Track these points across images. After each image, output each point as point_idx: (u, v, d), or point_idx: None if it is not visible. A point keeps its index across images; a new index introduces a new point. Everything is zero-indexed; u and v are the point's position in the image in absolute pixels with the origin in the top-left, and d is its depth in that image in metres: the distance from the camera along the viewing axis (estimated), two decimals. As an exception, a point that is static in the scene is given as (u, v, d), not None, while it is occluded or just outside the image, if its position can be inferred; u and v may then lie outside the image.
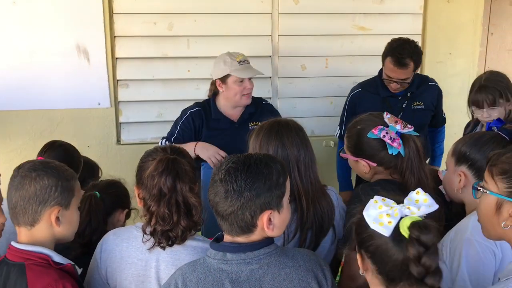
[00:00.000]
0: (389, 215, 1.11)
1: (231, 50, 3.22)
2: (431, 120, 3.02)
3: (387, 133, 1.73)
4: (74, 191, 1.46)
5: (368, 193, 1.66)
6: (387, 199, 1.16)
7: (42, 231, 1.43)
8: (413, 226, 1.07)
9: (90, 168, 2.45)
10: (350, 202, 1.76)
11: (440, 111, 3.06)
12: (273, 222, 1.30)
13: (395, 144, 1.71)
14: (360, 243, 1.19)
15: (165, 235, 1.47)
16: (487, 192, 1.24)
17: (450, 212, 1.74)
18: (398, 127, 1.74)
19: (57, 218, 1.42)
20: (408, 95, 2.84)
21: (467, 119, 3.67)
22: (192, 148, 2.46)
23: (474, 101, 2.49)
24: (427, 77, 2.99)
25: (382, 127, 1.74)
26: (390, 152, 1.72)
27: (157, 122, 3.29)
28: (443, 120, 3.14)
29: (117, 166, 3.25)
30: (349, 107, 2.96)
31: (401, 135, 1.74)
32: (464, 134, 2.77)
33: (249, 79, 2.52)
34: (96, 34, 3.08)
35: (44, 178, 1.39)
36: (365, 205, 1.17)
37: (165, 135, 3.25)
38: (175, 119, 3.24)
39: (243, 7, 3.23)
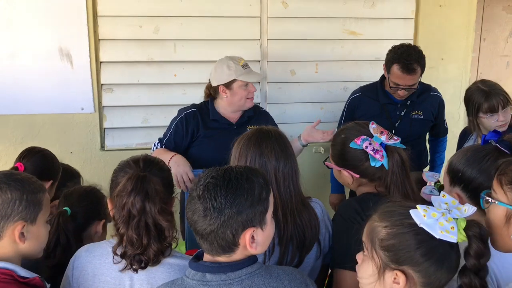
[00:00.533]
0: (448, 221, 1.11)
1: (219, 55, 3.14)
2: (432, 130, 2.97)
3: (370, 144, 1.67)
4: (42, 204, 1.37)
5: (358, 209, 1.61)
6: (430, 207, 1.13)
7: (6, 248, 1.33)
8: (469, 226, 1.10)
9: (70, 176, 2.36)
10: (341, 217, 1.68)
11: (442, 121, 3.00)
12: (256, 240, 1.21)
13: (377, 156, 1.65)
14: (401, 260, 1.13)
15: (136, 259, 1.38)
16: (496, 202, 1.17)
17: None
18: (383, 138, 1.67)
19: (22, 234, 1.33)
20: (408, 103, 2.78)
21: (459, 125, 3.65)
22: (167, 159, 2.39)
23: (489, 107, 2.41)
24: (429, 86, 2.92)
25: (365, 137, 1.68)
26: (372, 164, 1.65)
27: (143, 127, 3.21)
28: (444, 130, 3.08)
29: (100, 172, 3.17)
30: (347, 110, 2.92)
31: (386, 147, 1.67)
32: (458, 144, 2.69)
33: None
34: (80, 37, 2.99)
35: (7, 191, 1.30)
36: (391, 220, 1.16)
37: (153, 140, 3.22)
38: (160, 124, 3.19)
39: (231, 11, 3.15)
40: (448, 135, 3.61)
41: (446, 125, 3.07)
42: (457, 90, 3.58)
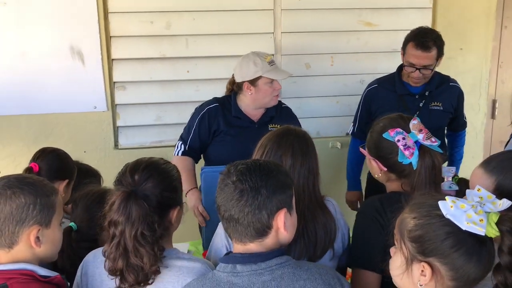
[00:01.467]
0: (477, 214, 1.07)
1: (232, 49, 3.11)
2: (450, 124, 2.87)
3: (403, 138, 1.58)
4: (55, 207, 1.33)
5: (380, 208, 1.54)
6: (459, 199, 1.10)
7: (22, 252, 1.30)
8: (502, 220, 1.06)
9: (91, 177, 2.30)
10: (362, 215, 1.62)
11: (461, 114, 2.90)
12: (286, 223, 1.26)
13: (406, 153, 1.56)
14: (427, 251, 1.10)
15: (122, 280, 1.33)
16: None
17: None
18: (420, 136, 1.58)
19: (37, 238, 1.29)
20: (426, 94, 2.69)
21: (479, 117, 3.55)
22: (186, 189, 2.37)
23: None
24: (448, 77, 2.82)
25: (401, 130, 1.59)
26: (400, 160, 1.57)
27: (156, 125, 3.16)
28: (463, 124, 2.97)
29: (115, 171, 3.03)
30: (363, 103, 2.84)
31: (420, 146, 1.58)
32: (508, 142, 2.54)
33: None
34: (91, 35, 2.95)
35: (21, 195, 1.25)
36: (415, 212, 1.14)
37: (167, 137, 3.17)
38: (174, 122, 3.15)
39: (244, 4, 3.08)
40: (468, 127, 3.52)
41: (465, 118, 2.97)
42: (476, 80, 3.48)
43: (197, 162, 2.57)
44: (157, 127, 3.16)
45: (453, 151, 3.03)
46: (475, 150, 3.54)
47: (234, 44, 3.11)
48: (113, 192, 1.36)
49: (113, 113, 3.10)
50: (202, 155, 2.58)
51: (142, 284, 1.32)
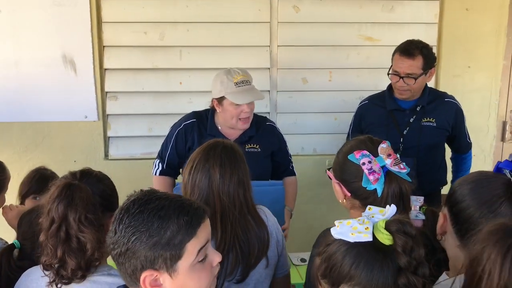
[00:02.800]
0: (362, 224, 1.08)
1: (226, 62, 3.03)
2: (451, 144, 2.73)
3: (369, 162, 1.45)
4: None
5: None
6: (347, 219, 1.11)
7: None
8: (390, 223, 1.06)
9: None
10: (313, 246, 1.51)
11: (463, 133, 2.72)
12: (163, 286, 1.05)
13: (371, 178, 1.42)
14: (336, 281, 1.08)
15: (59, 273, 1.30)
16: None
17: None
18: (388, 161, 1.43)
19: None
20: (418, 109, 2.56)
21: (488, 139, 3.36)
22: None
23: None
24: (444, 93, 2.69)
25: (367, 153, 1.46)
26: (364, 185, 1.43)
27: (147, 136, 3.12)
28: (467, 145, 2.80)
29: None
30: (355, 119, 2.77)
31: (387, 172, 1.44)
32: None
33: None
34: (84, 44, 2.93)
35: None
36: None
37: (157, 149, 3.10)
38: (165, 134, 3.07)
39: (240, 16, 3.01)
40: (476, 150, 3.35)
41: (469, 139, 2.80)
42: (485, 101, 3.30)
43: (176, 178, 2.51)
44: (148, 139, 3.11)
45: (457, 175, 2.85)
46: (482, 173, 3.35)
47: (229, 56, 3.04)
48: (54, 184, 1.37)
49: (104, 123, 3.07)
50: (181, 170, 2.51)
51: (80, 274, 1.29)
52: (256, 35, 3.06)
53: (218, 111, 2.37)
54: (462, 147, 2.79)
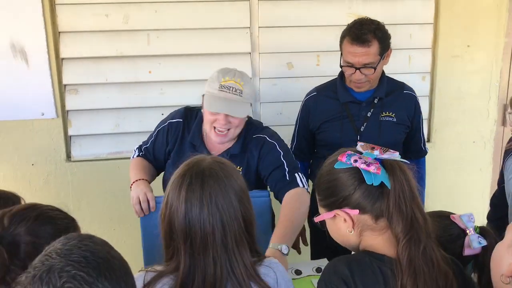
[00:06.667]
0: None
1: (200, 47, 2.72)
2: (404, 145, 2.32)
3: (360, 158, 1.21)
4: None
5: (346, 275, 1.16)
6: None
7: None
8: None
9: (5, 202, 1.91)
10: (324, 285, 1.20)
11: (418, 132, 2.35)
12: None
13: (372, 168, 1.18)
14: None
15: None
16: None
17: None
18: (376, 152, 1.23)
19: None
20: (375, 101, 2.22)
21: (488, 124, 3.11)
22: (131, 181, 1.96)
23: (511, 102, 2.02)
24: (403, 84, 2.34)
25: (352, 152, 1.24)
26: (368, 182, 1.18)
27: (114, 134, 2.76)
28: (420, 150, 2.39)
29: (67, 187, 2.75)
30: (302, 114, 2.36)
31: (383, 162, 1.21)
32: (506, 148, 2.13)
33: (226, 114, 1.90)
34: (35, 30, 2.54)
35: None
36: None
37: (126, 148, 2.78)
38: (134, 130, 2.77)
39: (215, -6, 2.66)
40: (476, 136, 3.10)
41: (424, 144, 2.40)
42: (486, 82, 3.04)
43: (157, 172, 2.17)
44: (115, 136, 2.76)
45: None
46: (483, 161, 3.11)
47: (203, 40, 2.69)
48: None
49: (64, 120, 2.70)
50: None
51: None
52: (233, 16, 2.71)
53: (202, 110, 2.00)
54: (416, 151, 2.38)
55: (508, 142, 2.11)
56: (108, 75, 2.68)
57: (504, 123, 3.13)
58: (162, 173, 2.17)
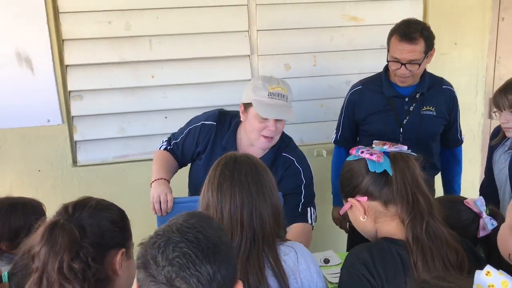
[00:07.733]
0: None
1: (201, 51, 2.78)
2: (442, 137, 2.51)
3: (367, 150, 1.39)
4: None
5: (368, 261, 1.26)
6: None
7: None
8: None
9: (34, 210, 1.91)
10: (346, 270, 1.31)
11: (455, 123, 2.53)
12: None
13: (374, 157, 1.34)
14: None
15: None
16: None
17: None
18: (386, 147, 1.40)
19: None
20: (417, 96, 2.38)
21: (476, 118, 3.26)
22: (153, 179, 2.01)
23: (494, 102, 2.12)
24: (442, 79, 2.50)
25: (362, 146, 1.42)
26: (371, 169, 1.33)
27: (119, 138, 2.82)
28: (456, 140, 2.58)
29: (74, 191, 2.78)
30: (346, 107, 2.52)
31: (390, 153, 1.37)
32: (490, 143, 2.29)
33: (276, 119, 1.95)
34: (40, 38, 2.59)
35: None
36: None
37: (132, 151, 2.84)
38: (139, 134, 2.84)
39: (214, -1, 2.75)
40: (465, 129, 3.23)
41: (460, 134, 2.58)
42: (473, 78, 3.19)
43: (179, 167, 2.22)
44: (120, 140, 2.82)
45: (448, 178, 2.67)
46: (472, 154, 3.25)
47: (204, 44, 2.77)
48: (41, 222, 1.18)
49: (69, 126, 2.75)
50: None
51: None
52: (232, 20, 2.80)
53: (242, 119, 2.04)
54: (453, 141, 2.57)
55: (491, 139, 2.28)
56: (112, 80, 2.74)
57: (490, 116, 3.29)
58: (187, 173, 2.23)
